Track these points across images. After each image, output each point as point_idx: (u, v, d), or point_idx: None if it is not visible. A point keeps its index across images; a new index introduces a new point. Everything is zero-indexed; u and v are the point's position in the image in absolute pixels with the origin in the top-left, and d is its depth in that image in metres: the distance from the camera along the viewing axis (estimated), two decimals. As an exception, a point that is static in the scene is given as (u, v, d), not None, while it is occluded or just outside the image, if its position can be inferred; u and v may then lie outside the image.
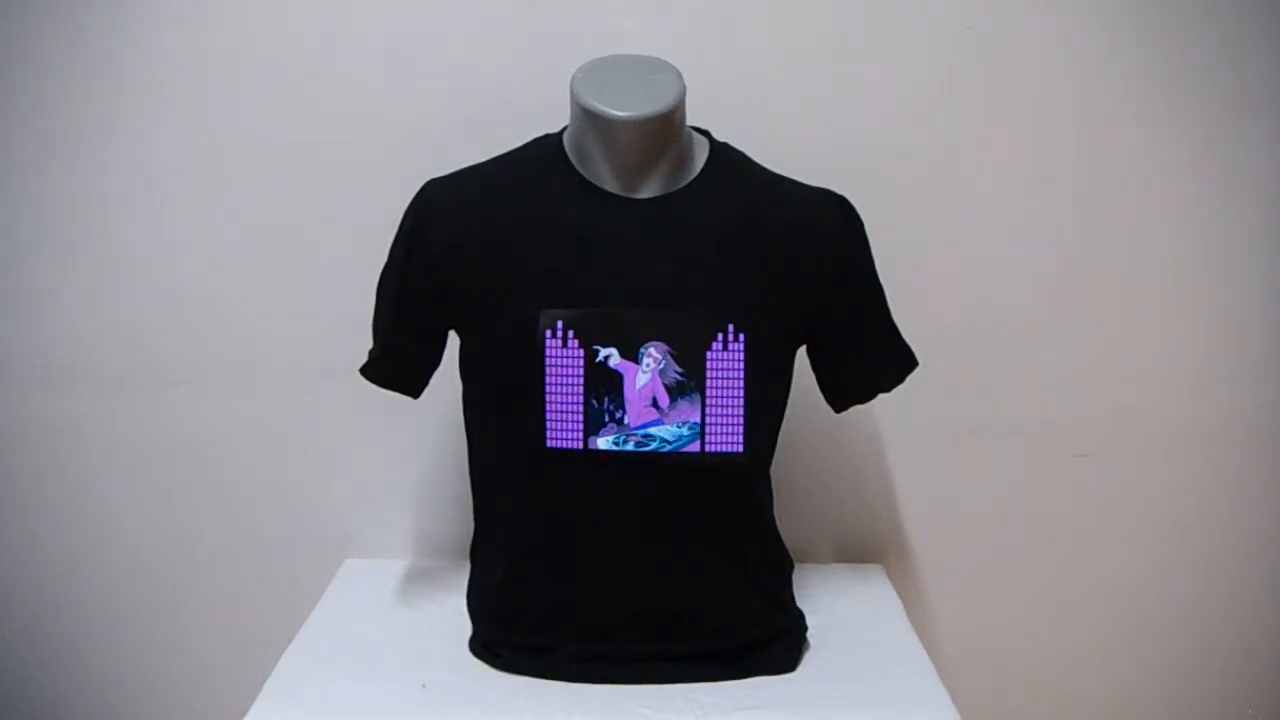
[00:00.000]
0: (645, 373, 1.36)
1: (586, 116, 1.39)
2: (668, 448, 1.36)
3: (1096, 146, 1.75)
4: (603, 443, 1.36)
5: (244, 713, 1.32)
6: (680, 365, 1.36)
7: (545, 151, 1.44)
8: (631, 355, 1.35)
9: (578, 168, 1.41)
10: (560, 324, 1.34)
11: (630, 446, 1.36)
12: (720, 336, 1.36)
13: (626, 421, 1.35)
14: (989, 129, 1.74)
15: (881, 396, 1.55)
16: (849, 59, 1.72)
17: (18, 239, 1.75)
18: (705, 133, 1.48)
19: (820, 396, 1.55)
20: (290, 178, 1.73)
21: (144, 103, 1.71)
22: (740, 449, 1.37)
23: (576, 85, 1.41)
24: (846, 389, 1.54)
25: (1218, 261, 1.79)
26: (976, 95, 1.73)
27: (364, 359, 1.49)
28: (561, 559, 1.41)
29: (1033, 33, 1.71)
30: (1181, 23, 1.71)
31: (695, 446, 1.36)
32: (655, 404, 1.36)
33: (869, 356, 1.52)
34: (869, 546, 1.85)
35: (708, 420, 1.36)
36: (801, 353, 1.51)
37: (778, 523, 1.53)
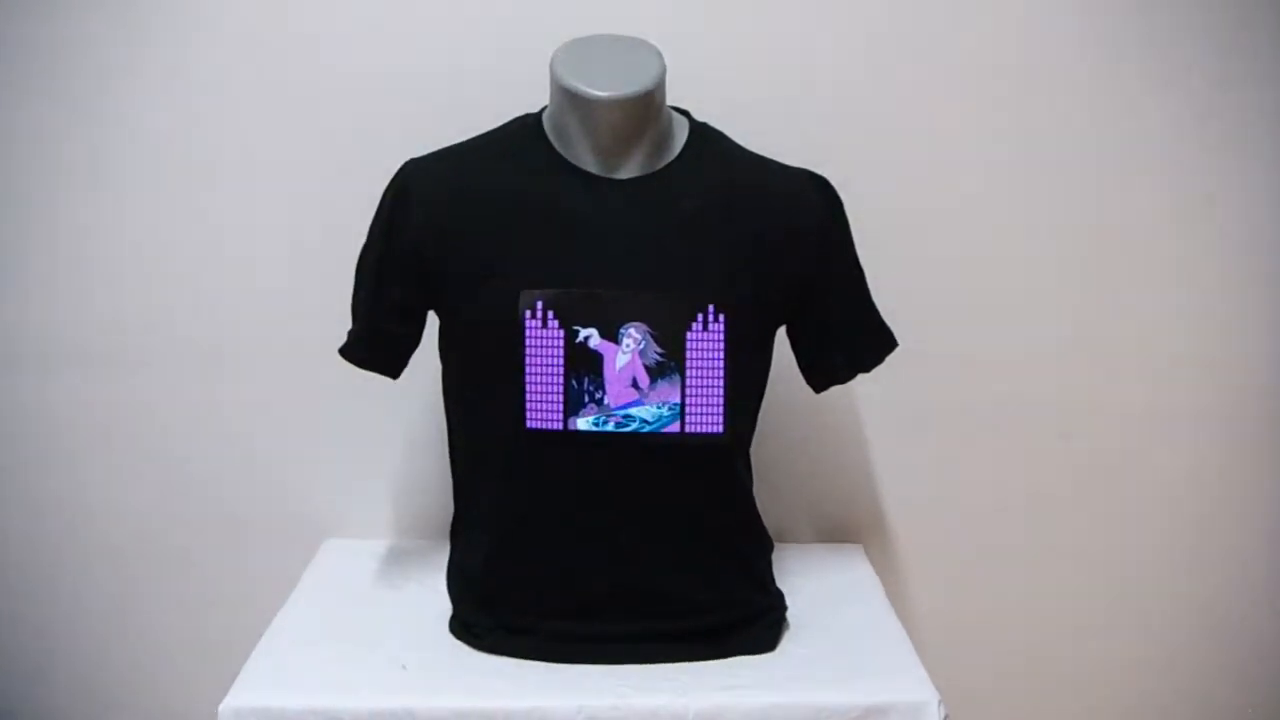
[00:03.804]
0: (625, 353, 1.36)
1: (566, 96, 1.39)
2: (647, 428, 1.36)
3: (1084, 126, 1.75)
4: (582, 423, 1.36)
5: (224, 692, 1.32)
6: (660, 346, 1.36)
7: (525, 131, 1.44)
8: (611, 336, 1.35)
9: (557, 148, 1.41)
10: (540, 304, 1.34)
11: (610, 427, 1.36)
12: (700, 317, 1.36)
13: (606, 402, 1.35)
14: (973, 109, 1.74)
15: (861, 377, 1.56)
16: (830, 39, 1.72)
17: (-7, 221, 1.74)
18: (685, 113, 1.47)
19: (800, 376, 1.55)
20: (268, 160, 1.72)
21: (125, 87, 1.70)
22: (720, 429, 1.37)
23: (556, 65, 1.40)
24: (826, 369, 1.54)
25: (1205, 242, 1.80)
26: (961, 77, 1.73)
27: (343, 340, 1.49)
28: (541, 539, 1.41)
29: (1019, 13, 1.72)
30: (1180, 2, 1.72)
31: (675, 427, 1.36)
32: (635, 384, 1.36)
33: (849, 337, 1.52)
34: (848, 526, 1.86)
35: (687, 401, 1.36)
36: (781, 333, 1.51)
37: (757, 503, 1.53)
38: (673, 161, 1.41)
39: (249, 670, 1.38)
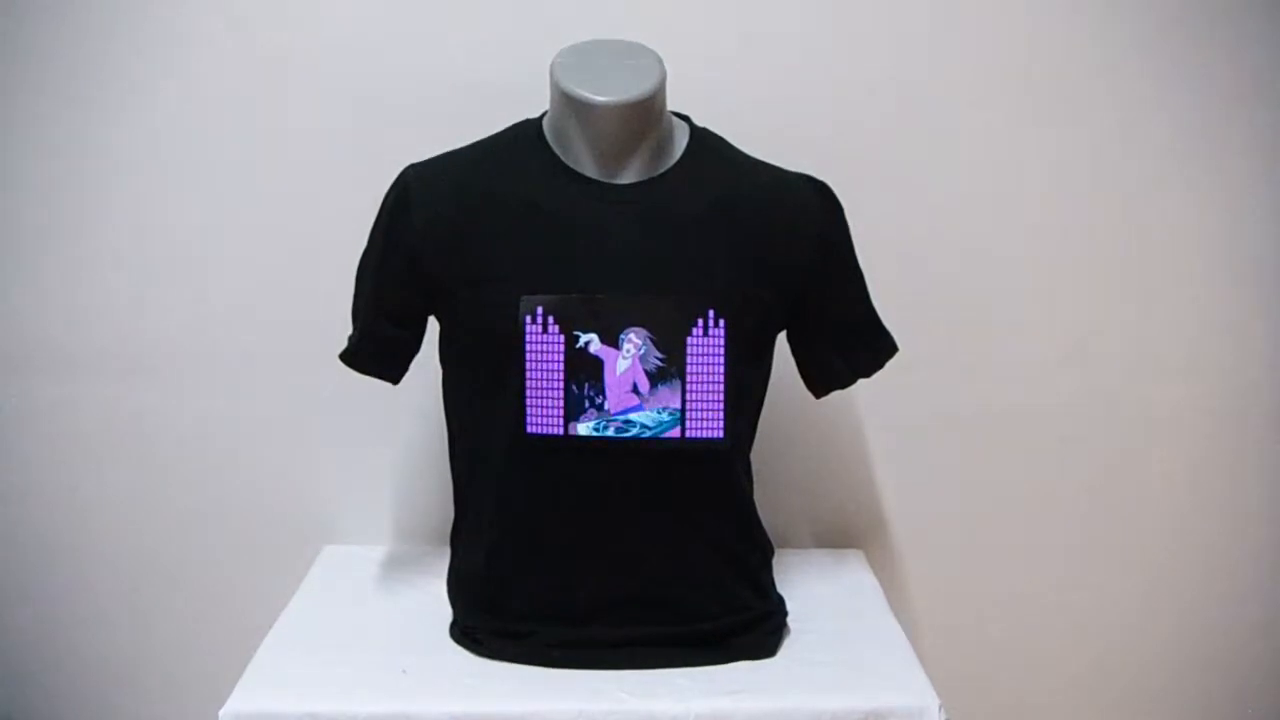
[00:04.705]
0: (625, 358, 1.36)
1: (567, 101, 1.39)
2: (648, 433, 1.36)
3: (1080, 132, 1.76)
4: (583, 429, 1.36)
5: (224, 698, 1.32)
6: (660, 351, 1.36)
7: (525, 136, 1.44)
8: (612, 341, 1.35)
9: (558, 153, 1.41)
10: (540, 310, 1.34)
11: (610, 432, 1.36)
12: (700, 322, 1.36)
13: (607, 407, 1.35)
14: (971, 116, 1.74)
15: (862, 382, 1.56)
16: (832, 44, 1.72)
17: (-4, 225, 1.75)
18: (685, 118, 1.47)
19: (800, 381, 1.55)
20: (269, 166, 1.72)
21: (126, 91, 1.70)
22: (720, 434, 1.37)
23: (556, 70, 1.40)
24: (826, 374, 1.54)
25: (1201, 245, 1.80)
26: (959, 83, 1.73)
27: (343, 345, 1.49)
28: (541, 545, 1.41)
29: (1017, 17, 1.72)
30: (1182, 6, 1.72)
31: (675, 432, 1.36)
32: (635, 390, 1.36)
33: (849, 342, 1.52)
34: (848, 531, 1.86)
35: (688, 406, 1.36)
36: (781, 338, 1.51)
37: (758, 508, 1.53)
38: (673, 167, 1.42)
39: (249, 675, 1.38)
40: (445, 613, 1.50)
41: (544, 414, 1.35)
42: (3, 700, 1.88)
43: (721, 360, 1.36)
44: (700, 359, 1.36)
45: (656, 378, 1.36)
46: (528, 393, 1.35)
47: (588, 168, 1.39)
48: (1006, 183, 1.77)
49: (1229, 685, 1.93)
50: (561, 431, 1.36)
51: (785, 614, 1.50)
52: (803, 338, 1.51)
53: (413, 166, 1.44)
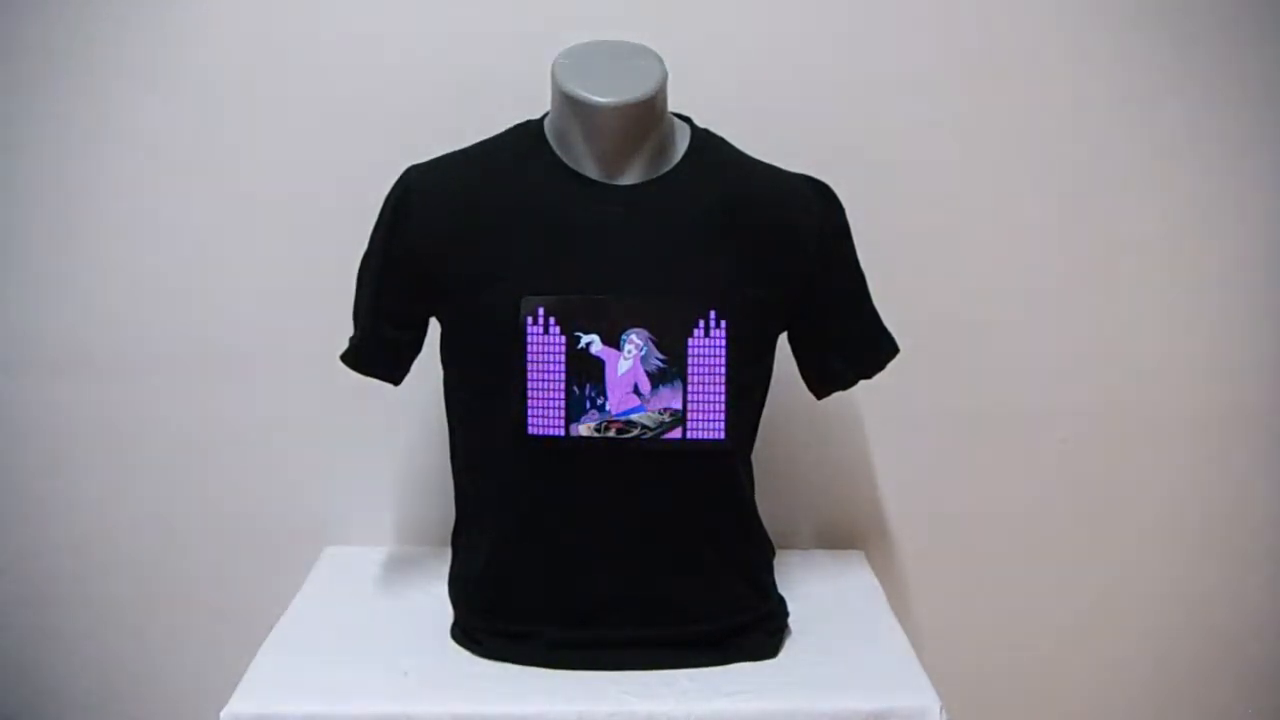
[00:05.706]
0: (627, 359, 1.36)
1: (568, 102, 1.39)
2: (649, 434, 1.36)
3: (1088, 134, 1.76)
4: (584, 429, 1.36)
5: (225, 700, 1.32)
6: (662, 352, 1.36)
7: (526, 138, 1.44)
8: (613, 342, 1.35)
9: (559, 154, 1.41)
10: (541, 310, 1.34)
11: (611, 433, 1.36)
12: (701, 323, 1.36)
13: (608, 408, 1.35)
14: (977, 115, 1.74)
15: (862, 382, 1.56)
16: (833, 44, 1.72)
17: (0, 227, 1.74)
18: (687, 119, 1.47)
19: (800, 381, 1.55)
20: (270, 167, 1.72)
21: (126, 92, 1.70)
22: (722, 435, 1.37)
23: (558, 71, 1.40)
24: (828, 375, 1.54)
25: (1207, 249, 1.80)
26: (966, 82, 1.73)
27: (344, 346, 1.49)
28: (543, 546, 1.41)
29: (1025, 17, 1.72)
30: (1182, 8, 1.72)
31: (677, 433, 1.37)
32: (637, 391, 1.36)
33: (850, 343, 1.52)
34: (850, 532, 1.86)
35: (689, 407, 1.36)
36: (782, 338, 1.51)
37: (759, 509, 1.53)
38: (674, 168, 1.42)
39: (251, 676, 1.38)
40: (446, 614, 1.50)
41: (545, 415, 1.35)
42: (3, 700, 1.88)
43: (723, 361, 1.36)
44: (701, 360, 1.36)
45: (658, 379, 1.36)
46: (529, 394, 1.35)
47: (589, 169, 1.39)
48: (1008, 183, 1.77)
49: (1229, 685, 1.93)
50: (563, 432, 1.36)
51: (786, 615, 1.50)
52: (804, 339, 1.51)
53: (414, 168, 1.44)
